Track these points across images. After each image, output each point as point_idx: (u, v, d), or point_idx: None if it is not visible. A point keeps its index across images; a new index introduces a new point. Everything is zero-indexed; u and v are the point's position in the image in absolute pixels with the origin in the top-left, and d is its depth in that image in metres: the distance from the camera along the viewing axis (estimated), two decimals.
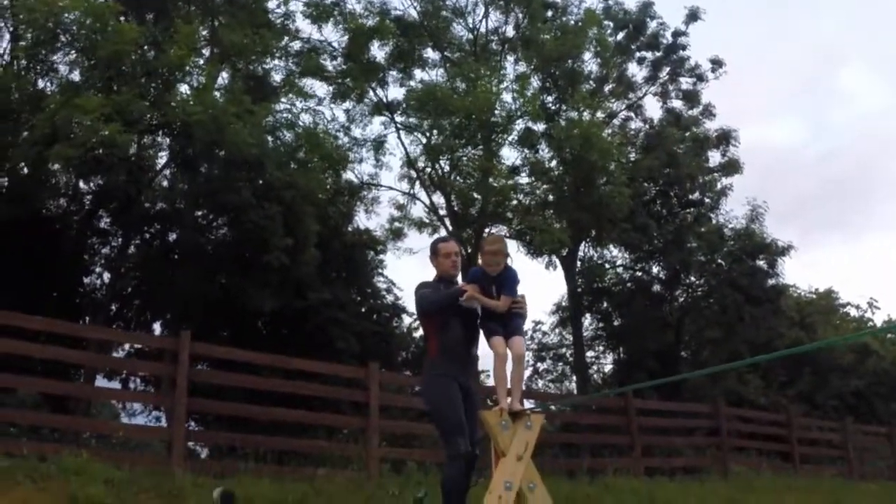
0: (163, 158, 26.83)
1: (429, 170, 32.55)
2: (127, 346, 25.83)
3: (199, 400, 13.30)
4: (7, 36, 25.57)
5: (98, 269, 27.46)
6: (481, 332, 7.39)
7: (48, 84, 25.07)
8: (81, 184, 25.71)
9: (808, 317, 39.79)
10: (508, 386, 7.18)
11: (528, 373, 40.79)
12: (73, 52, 23.59)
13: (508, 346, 7.16)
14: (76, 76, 24.00)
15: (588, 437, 21.67)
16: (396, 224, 34.93)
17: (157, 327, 27.43)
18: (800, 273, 78.47)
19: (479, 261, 7.51)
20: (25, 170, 23.35)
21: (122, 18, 23.30)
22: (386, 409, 14.96)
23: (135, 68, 22.96)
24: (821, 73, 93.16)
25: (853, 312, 44.95)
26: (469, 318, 7.31)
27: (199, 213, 26.04)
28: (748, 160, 36.55)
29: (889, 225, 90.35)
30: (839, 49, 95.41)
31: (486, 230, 30.11)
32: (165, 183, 27.40)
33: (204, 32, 27.41)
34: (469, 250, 28.33)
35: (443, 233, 32.18)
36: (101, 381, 24.79)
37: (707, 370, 22.57)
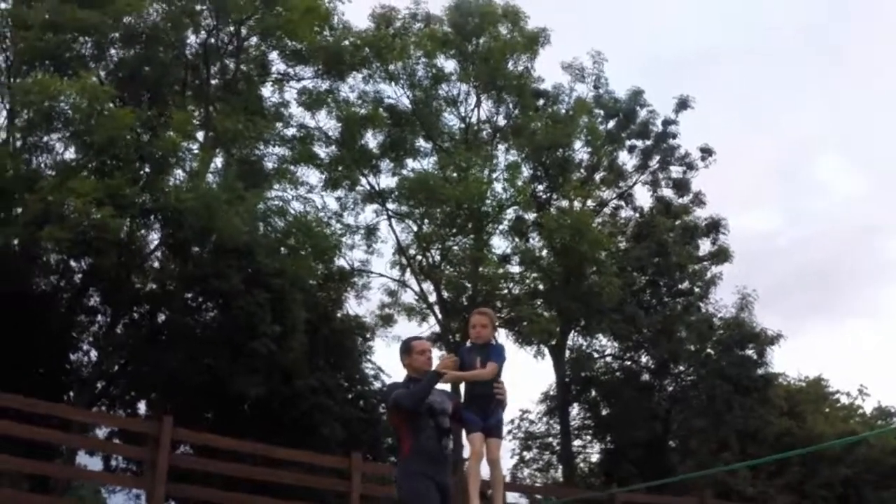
0: (154, 241, 26.94)
1: (419, 258, 32.64)
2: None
3: (179, 485, 13.25)
4: (3, 114, 25.88)
5: (85, 347, 27.36)
6: (453, 426, 7.34)
7: (42, 164, 25.33)
8: (72, 262, 25.79)
9: (798, 405, 39.56)
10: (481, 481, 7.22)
11: (514, 461, 40.58)
12: (67, 133, 23.88)
13: (485, 447, 7.13)
14: (71, 153, 24.29)
15: None
16: (387, 310, 34.92)
17: (142, 407, 27.31)
18: (787, 359, 77.99)
19: (469, 333, 7.53)
20: (17, 246, 23.44)
21: (117, 101, 23.59)
22: (368, 500, 14.87)
23: (129, 152, 23.17)
24: (798, 161, 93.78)
25: (843, 399, 44.73)
26: (441, 417, 7.22)
27: (189, 295, 26.06)
28: (734, 247, 36.57)
29: (872, 310, 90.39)
30: (815, 139, 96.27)
31: None
32: (156, 264, 27.45)
33: (198, 117, 27.70)
34: (458, 338, 28.34)
35: (432, 321, 32.29)
36: (83, 456, 24.63)
37: (707, 471, 22.32)
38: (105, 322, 26.86)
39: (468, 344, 7.57)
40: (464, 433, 7.34)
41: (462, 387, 7.57)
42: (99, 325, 27.25)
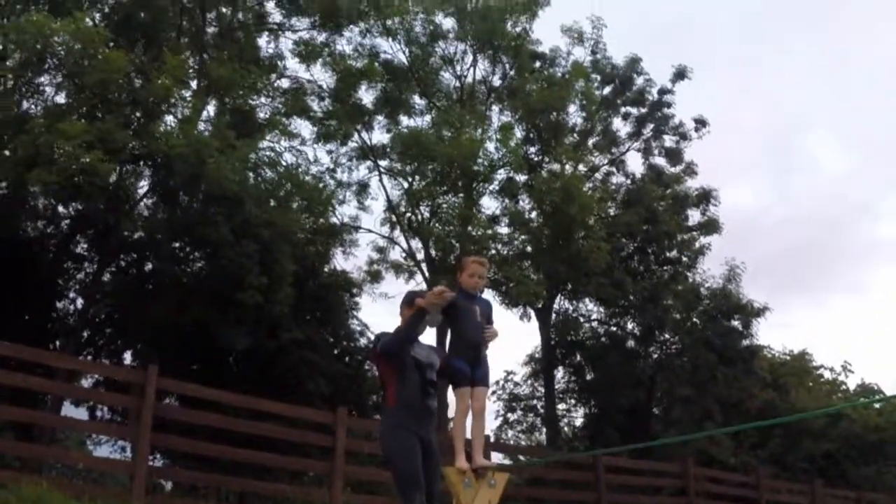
0: (143, 187, 26.70)
1: (409, 215, 32.50)
2: (96, 375, 25.44)
3: (163, 435, 13.19)
4: None
5: (72, 295, 27.17)
6: (440, 383, 7.26)
7: (33, 106, 25.06)
8: (60, 207, 25.57)
9: (781, 378, 39.66)
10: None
11: (497, 422, 40.68)
12: (59, 75, 23.59)
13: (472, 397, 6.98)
14: (62, 99, 23.99)
15: (555, 493, 21.49)
16: (375, 266, 34.81)
17: (127, 356, 27.16)
18: (772, 333, 78.59)
19: (461, 278, 7.30)
20: (4, 190, 23.22)
21: (111, 45, 23.28)
22: (352, 455, 14.85)
23: (120, 96, 22.90)
24: (786, 138, 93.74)
25: (826, 374, 44.88)
26: (428, 370, 7.13)
27: (177, 244, 25.84)
28: (723, 219, 36.63)
29: (857, 289, 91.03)
30: (803, 116, 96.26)
31: None
32: (145, 212, 27.22)
33: (192, 64, 27.36)
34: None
35: (419, 279, 32.21)
36: (68, 408, 24.52)
37: (690, 436, 22.42)
38: (92, 269, 26.62)
39: (460, 291, 7.25)
40: (450, 389, 7.20)
41: (449, 334, 7.28)
42: (86, 272, 27.04)
